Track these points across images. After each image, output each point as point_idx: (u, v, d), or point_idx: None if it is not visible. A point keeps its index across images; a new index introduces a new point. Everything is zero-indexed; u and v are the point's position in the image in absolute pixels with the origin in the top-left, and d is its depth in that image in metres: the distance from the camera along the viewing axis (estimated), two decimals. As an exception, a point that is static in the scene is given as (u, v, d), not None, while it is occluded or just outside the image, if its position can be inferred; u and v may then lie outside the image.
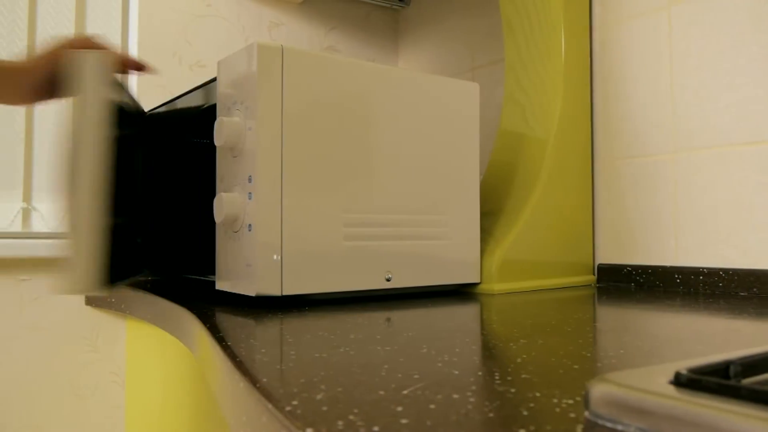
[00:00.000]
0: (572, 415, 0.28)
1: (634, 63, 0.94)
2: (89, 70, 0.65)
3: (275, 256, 0.66)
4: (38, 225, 1.13)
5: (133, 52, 1.20)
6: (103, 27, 1.20)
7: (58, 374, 1.10)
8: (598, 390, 0.27)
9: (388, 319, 0.59)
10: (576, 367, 0.38)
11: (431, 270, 0.79)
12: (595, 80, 1.00)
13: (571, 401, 0.30)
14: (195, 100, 0.85)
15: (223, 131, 0.67)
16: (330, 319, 0.58)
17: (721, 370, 0.28)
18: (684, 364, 0.28)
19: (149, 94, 1.17)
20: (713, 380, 0.25)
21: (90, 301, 1.10)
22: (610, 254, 0.97)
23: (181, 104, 0.90)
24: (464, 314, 0.65)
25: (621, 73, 0.96)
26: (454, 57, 1.33)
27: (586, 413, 0.27)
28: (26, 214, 1.12)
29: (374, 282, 0.73)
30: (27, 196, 1.12)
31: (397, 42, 1.51)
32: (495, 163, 1.00)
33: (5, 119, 1.11)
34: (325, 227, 0.70)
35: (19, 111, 1.11)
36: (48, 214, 1.14)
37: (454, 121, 0.82)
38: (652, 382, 0.26)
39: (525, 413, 0.28)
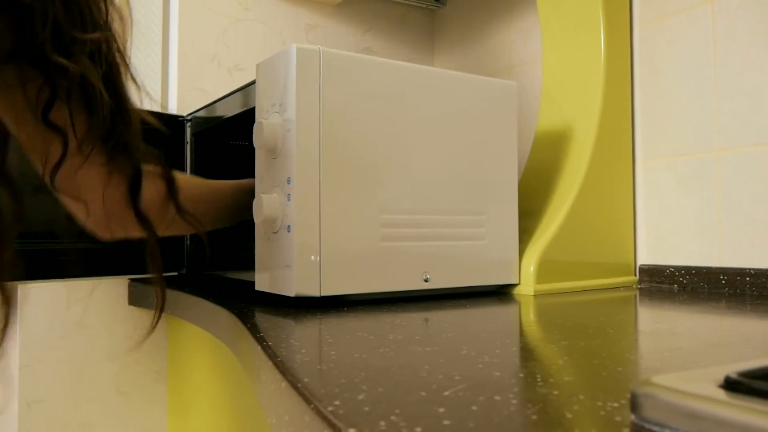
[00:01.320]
0: (618, 418, 0.28)
1: (676, 60, 0.92)
2: None
3: (313, 257, 0.66)
4: (83, 226, 1.16)
5: (173, 56, 1.22)
6: (143, 32, 1.22)
7: (102, 372, 1.12)
8: (645, 393, 0.26)
9: (427, 320, 0.58)
10: (620, 369, 0.38)
11: (469, 271, 0.78)
12: (635, 78, 0.98)
13: (616, 404, 0.30)
14: (234, 103, 0.86)
15: (262, 133, 0.67)
16: (369, 319, 0.58)
17: (773, 374, 0.28)
18: (733, 368, 0.27)
19: (189, 97, 1.19)
20: (765, 384, 0.24)
21: (133, 301, 1.13)
22: (651, 254, 0.95)
23: (220, 107, 0.91)
24: (503, 315, 0.65)
25: (662, 70, 0.94)
26: (491, 56, 1.32)
27: (632, 417, 0.27)
28: (71, 215, 1.15)
29: (412, 283, 0.73)
30: (72, 199, 1.15)
31: (434, 42, 1.51)
32: (533, 162, 0.99)
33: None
34: (363, 228, 0.70)
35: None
36: (92, 215, 1.17)
37: (492, 120, 0.81)
38: (700, 386, 0.26)
39: (569, 416, 0.28)
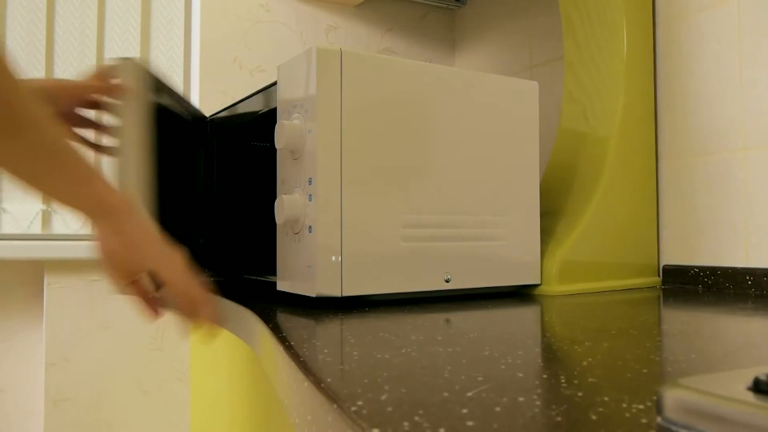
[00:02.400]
0: (644, 420, 0.27)
1: (701, 57, 0.91)
2: (130, 75, 0.68)
3: (334, 258, 0.66)
4: (107, 227, 1.17)
5: (195, 58, 1.23)
6: (166, 35, 1.23)
7: (126, 372, 1.13)
8: (672, 395, 0.26)
9: (448, 321, 0.58)
10: (645, 371, 0.37)
11: (491, 271, 0.78)
12: (658, 76, 0.97)
13: (641, 406, 0.29)
14: (255, 105, 0.87)
15: (283, 134, 0.68)
16: (390, 320, 0.58)
17: (804, 376, 0.27)
18: (763, 370, 0.27)
19: (211, 99, 1.20)
20: (796, 387, 0.24)
21: (156, 301, 1.14)
22: (675, 255, 0.94)
23: (242, 108, 0.92)
24: (525, 316, 0.65)
25: (687, 68, 0.93)
26: (511, 56, 1.32)
27: (659, 419, 0.26)
28: (96, 216, 1.16)
29: (433, 283, 0.73)
30: (96, 200, 1.16)
31: (454, 42, 1.51)
32: (555, 162, 0.99)
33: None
34: (384, 228, 0.70)
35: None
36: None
37: (513, 120, 0.81)
38: (729, 388, 0.25)
39: (594, 418, 0.28)
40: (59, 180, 0.58)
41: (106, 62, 0.75)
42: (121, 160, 0.69)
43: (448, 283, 0.74)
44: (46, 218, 1.13)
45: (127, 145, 0.69)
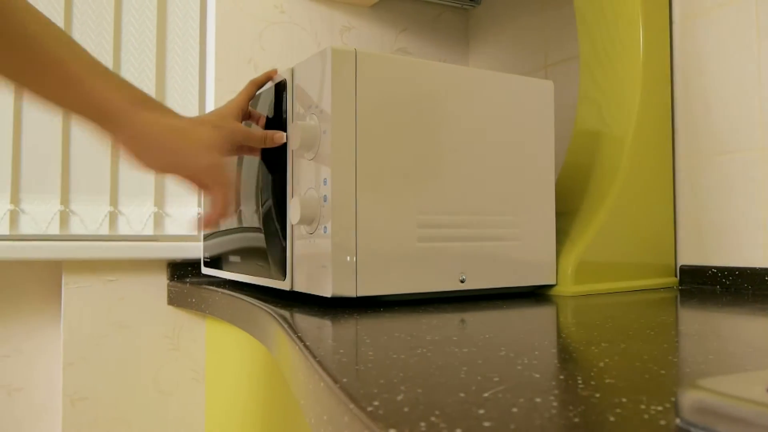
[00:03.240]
0: (662, 422, 0.27)
1: (718, 56, 0.90)
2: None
3: (349, 258, 0.66)
4: (123, 228, 1.18)
5: (211, 59, 1.23)
6: (181, 36, 1.24)
7: (143, 371, 1.14)
8: (691, 397, 0.26)
9: (463, 321, 0.58)
10: (663, 372, 0.37)
11: (506, 271, 0.78)
12: (675, 75, 0.96)
13: (660, 408, 0.29)
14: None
15: (298, 135, 0.68)
16: (405, 320, 0.58)
17: (825, 378, 0.27)
18: (783, 372, 0.27)
19: (226, 100, 1.20)
20: (817, 389, 0.24)
21: (171, 301, 1.15)
22: (693, 255, 0.93)
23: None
24: (541, 316, 0.64)
25: (704, 67, 0.92)
26: (526, 55, 1.31)
27: (677, 421, 0.26)
28: (113, 217, 1.17)
29: (448, 283, 0.73)
30: (113, 201, 1.17)
31: (468, 42, 1.50)
32: (570, 162, 0.98)
33: (93, 127, 1.16)
34: (399, 228, 0.70)
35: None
36: (132, 217, 1.19)
37: (529, 120, 0.80)
38: (748, 390, 0.25)
39: (612, 419, 0.28)
40: (47, 81, 0.53)
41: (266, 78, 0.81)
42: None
43: (463, 284, 0.74)
44: (64, 219, 1.14)
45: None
